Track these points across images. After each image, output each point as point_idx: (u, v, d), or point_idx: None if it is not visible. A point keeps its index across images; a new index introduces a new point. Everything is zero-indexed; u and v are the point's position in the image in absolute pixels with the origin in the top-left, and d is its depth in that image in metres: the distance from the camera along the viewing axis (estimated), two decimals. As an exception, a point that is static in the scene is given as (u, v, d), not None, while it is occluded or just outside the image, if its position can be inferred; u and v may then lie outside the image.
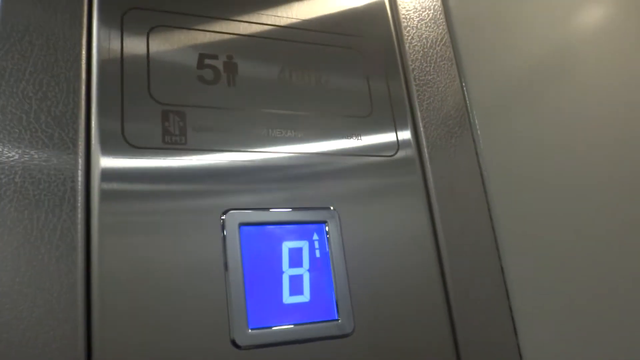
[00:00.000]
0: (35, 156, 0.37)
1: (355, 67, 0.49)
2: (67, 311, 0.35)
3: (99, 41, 0.41)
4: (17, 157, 0.37)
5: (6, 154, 0.37)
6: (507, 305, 0.47)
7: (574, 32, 0.61)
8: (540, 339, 0.47)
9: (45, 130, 0.38)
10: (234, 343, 0.37)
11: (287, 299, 0.40)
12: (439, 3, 0.56)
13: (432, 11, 0.55)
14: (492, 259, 0.47)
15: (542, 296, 0.48)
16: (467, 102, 0.52)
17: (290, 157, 0.44)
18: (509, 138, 0.52)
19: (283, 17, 0.48)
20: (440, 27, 0.55)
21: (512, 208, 0.50)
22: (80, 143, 0.38)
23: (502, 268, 0.48)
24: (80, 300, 0.35)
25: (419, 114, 0.50)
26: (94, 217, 0.37)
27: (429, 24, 0.54)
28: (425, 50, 0.53)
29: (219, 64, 0.44)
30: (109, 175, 0.38)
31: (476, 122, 0.52)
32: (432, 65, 0.53)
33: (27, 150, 0.37)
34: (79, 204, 0.37)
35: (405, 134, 0.48)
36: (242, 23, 0.46)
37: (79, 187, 0.38)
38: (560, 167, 0.53)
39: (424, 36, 0.54)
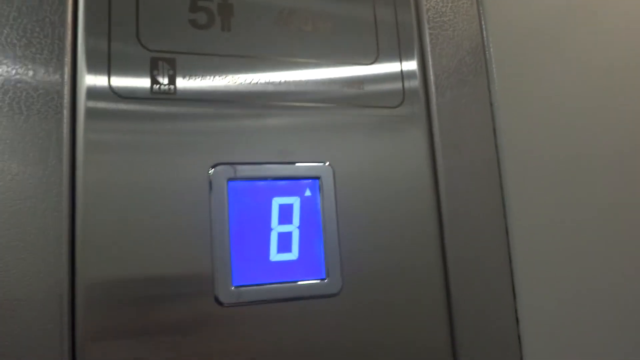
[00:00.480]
0: (19, 100, 0.37)
1: (362, 8, 0.45)
2: (52, 263, 0.35)
3: (85, -17, 0.39)
4: (1, 105, 0.36)
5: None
6: (507, 267, 0.45)
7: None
8: (539, 295, 0.46)
9: (29, 76, 0.37)
10: (216, 300, 0.37)
11: (275, 256, 0.39)
12: None
13: (455, -58, 0.50)
14: (497, 221, 0.45)
15: (546, 269, 0.46)
16: (486, 47, 0.49)
17: (285, 108, 0.42)
18: (528, 90, 0.49)
19: (285, -48, 0.44)
20: (463, -39, 0.50)
21: (524, 168, 0.47)
22: (65, 94, 0.37)
23: (506, 229, 0.46)
24: (64, 251, 0.36)
25: (430, 61, 0.46)
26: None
27: (451, -43, 0.50)
28: (444, -13, 0.49)
29: (213, 5, 0.41)
30: (95, 122, 0.37)
31: (494, 69, 0.48)
32: (450, 4, 0.48)
33: (11, 95, 0.37)
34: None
35: (413, 83, 0.45)
36: (240, -40, 0.43)
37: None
38: (584, 125, 0.49)
39: (443, -29, 0.49)
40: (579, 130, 0.49)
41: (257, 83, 0.41)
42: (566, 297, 0.46)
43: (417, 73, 0.46)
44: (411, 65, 0.46)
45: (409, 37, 0.46)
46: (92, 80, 0.38)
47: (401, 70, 0.45)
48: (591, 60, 0.51)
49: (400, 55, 0.46)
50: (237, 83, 0.41)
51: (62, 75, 0.38)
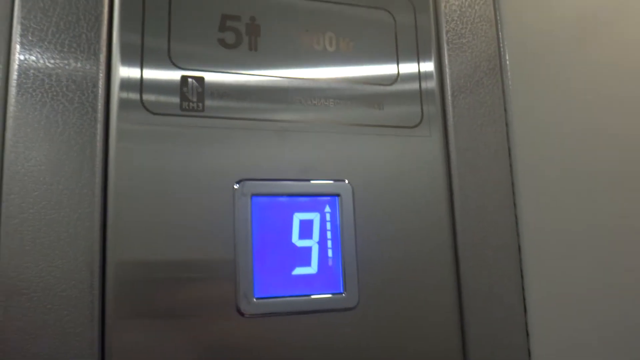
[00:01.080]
0: (56, 114, 0.38)
1: (384, 30, 0.47)
2: (84, 270, 0.37)
3: (121, 1, 0.41)
4: (38, 117, 0.38)
5: (29, 113, 0.38)
6: (519, 283, 0.47)
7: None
8: (549, 309, 0.47)
9: (66, 94, 0.39)
10: (238, 310, 0.39)
11: (295, 270, 0.41)
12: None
13: (475, -35, 0.52)
14: (509, 238, 0.47)
15: (557, 285, 0.48)
16: (503, 69, 0.50)
17: (308, 127, 0.43)
18: (545, 111, 0.50)
19: (311, -26, 0.46)
20: (483, -16, 0.51)
21: (538, 188, 0.48)
22: (99, 106, 0.39)
23: (519, 246, 0.47)
24: (96, 260, 0.37)
25: (448, 82, 0.48)
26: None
27: (471, -20, 0.51)
28: (463, 9, 0.50)
29: (241, 26, 0.43)
30: (126, 134, 0.39)
31: (510, 91, 0.49)
32: (469, 26, 0.50)
33: (48, 108, 0.38)
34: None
35: (431, 103, 0.47)
36: (268, -19, 0.45)
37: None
38: (599, 148, 0.51)
39: (463, -6, 0.51)
40: (593, 152, 0.50)
41: (281, 102, 0.43)
42: (577, 313, 0.47)
43: (436, 94, 0.47)
44: (430, 86, 0.47)
45: (428, 59, 0.48)
46: (125, 97, 0.39)
47: (420, 91, 0.47)
48: (607, 82, 0.52)
49: (420, 76, 0.47)
50: (262, 101, 0.42)
51: (96, 94, 0.39)
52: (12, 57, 0.38)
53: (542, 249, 0.47)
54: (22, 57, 0.38)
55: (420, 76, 0.47)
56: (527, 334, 0.46)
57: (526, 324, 0.46)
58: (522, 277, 0.47)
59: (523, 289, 0.47)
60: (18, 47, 0.38)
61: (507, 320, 0.46)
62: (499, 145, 0.48)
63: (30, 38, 0.39)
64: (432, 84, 0.47)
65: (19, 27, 0.39)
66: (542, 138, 0.49)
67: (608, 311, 0.48)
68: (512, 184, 0.48)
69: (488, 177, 0.47)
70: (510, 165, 0.48)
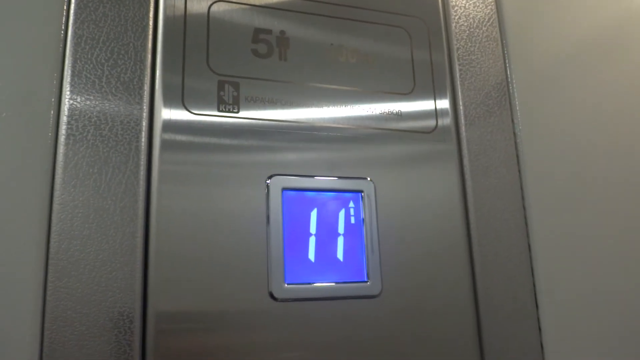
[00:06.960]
0: (106, 112, 0.42)
1: (401, 45, 0.51)
2: (128, 254, 0.40)
3: (165, 14, 0.45)
4: (89, 114, 0.41)
5: (82, 111, 0.41)
6: (530, 275, 0.49)
7: (628, 9, 0.61)
8: (560, 299, 0.50)
9: (114, 94, 0.42)
10: (271, 295, 0.42)
11: (322, 259, 0.44)
12: (490, -18, 0.57)
13: (482, -9, 0.57)
14: (520, 235, 0.50)
15: (566, 282, 0.50)
16: (509, 82, 0.54)
17: (333, 129, 0.47)
18: (549, 121, 0.54)
19: (335, -6, 0.51)
20: (489, 7, 0.56)
21: (545, 190, 0.52)
22: (145, 107, 0.43)
23: (529, 245, 0.50)
24: (139, 244, 0.40)
25: (459, 93, 0.52)
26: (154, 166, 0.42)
27: (477, 4, 0.56)
28: (472, 30, 0.55)
29: (272, 38, 0.47)
30: (168, 133, 0.42)
31: (517, 102, 0.53)
32: (477, 45, 0.54)
33: (98, 109, 0.42)
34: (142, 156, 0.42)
35: (445, 112, 0.51)
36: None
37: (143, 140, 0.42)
38: (600, 156, 0.54)
39: (471, 16, 0.55)
40: (597, 155, 0.54)
41: (309, 106, 0.47)
42: (586, 308, 0.50)
43: (449, 103, 0.51)
44: (443, 96, 0.51)
45: (441, 72, 0.52)
46: (168, 98, 0.43)
47: (434, 101, 0.51)
48: (605, 95, 0.56)
49: (434, 87, 0.51)
50: (291, 105, 0.46)
51: (141, 95, 0.43)
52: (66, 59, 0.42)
53: (550, 248, 0.50)
54: (72, 60, 0.42)
55: (434, 87, 0.51)
56: (540, 329, 0.49)
57: (538, 319, 0.49)
58: (532, 274, 0.50)
59: (534, 285, 0.49)
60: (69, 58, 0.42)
61: (519, 314, 0.48)
62: (508, 151, 0.52)
63: (83, 45, 0.43)
64: (444, 94, 0.51)
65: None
66: (547, 145, 0.53)
67: (615, 307, 0.51)
68: (521, 187, 0.51)
69: (499, 180, 0.51)
70: (519, 170, 0.52)
